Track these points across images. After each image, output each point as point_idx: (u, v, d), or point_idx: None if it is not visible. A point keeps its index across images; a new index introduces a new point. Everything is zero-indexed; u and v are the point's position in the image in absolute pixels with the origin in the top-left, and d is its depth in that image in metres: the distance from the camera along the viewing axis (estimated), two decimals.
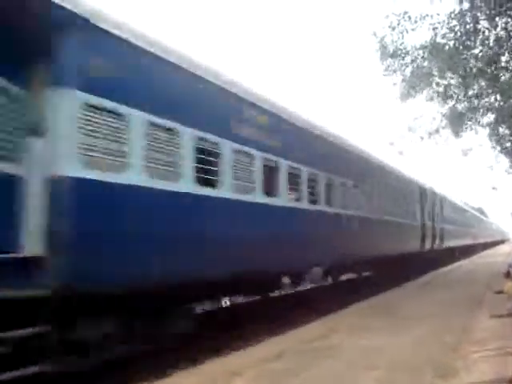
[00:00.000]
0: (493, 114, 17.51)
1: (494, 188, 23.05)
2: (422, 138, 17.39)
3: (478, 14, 13.56)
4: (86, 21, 6.37)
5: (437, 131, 17.27)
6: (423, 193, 24.92)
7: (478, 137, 19.01)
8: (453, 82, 16.02)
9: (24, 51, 5.97)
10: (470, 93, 16.12)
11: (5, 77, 6.07)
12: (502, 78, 15.18)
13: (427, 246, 24.65)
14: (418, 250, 22.98)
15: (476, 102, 16.62)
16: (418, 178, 24.63)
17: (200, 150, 8.22)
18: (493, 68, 14.65)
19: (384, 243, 17.39)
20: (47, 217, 5.93)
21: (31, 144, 6.20)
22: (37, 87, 6.20)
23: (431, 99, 16.54)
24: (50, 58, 6.01)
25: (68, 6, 6.19)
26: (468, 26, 13.92)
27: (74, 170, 6.00)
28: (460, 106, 16.81)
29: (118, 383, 7.19)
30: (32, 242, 5.96)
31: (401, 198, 20.42)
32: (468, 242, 43.59)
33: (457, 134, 17.69)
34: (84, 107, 6.19)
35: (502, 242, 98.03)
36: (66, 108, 6.06)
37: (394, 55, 15.00)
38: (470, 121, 17.35)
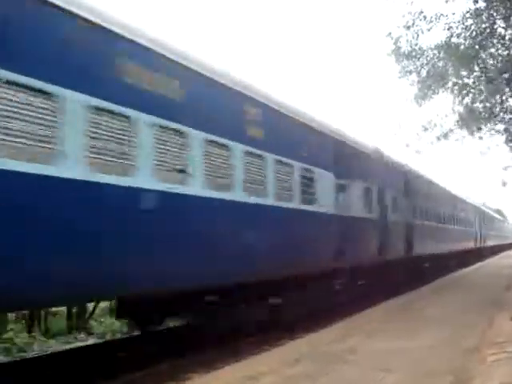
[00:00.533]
0: (507, 114, 17.33)
1: (504, 184, 22.68)
2: (438, 138, 17.25)
3: (494, 14, 13.45)
4: None
5: (451, 131, 17.13)
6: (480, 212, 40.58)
7: (495, 137, 18.61)
8: (468, 81, 15.89)
9: None
10: (486, 92, 15.97)
11: None
12: None
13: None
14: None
15: (493, 101, 16.46)
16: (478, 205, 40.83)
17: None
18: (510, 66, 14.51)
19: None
20: None
21: None
22: None
23: (446, 98, 16.44)
24: None
25: None
26: (484, 26, 13.81)
27: None
28: (476, 106, 16.66)
29: None
30: None
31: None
32: (495, 243, 52.87)
33: (472, 133, 17.54)
34: None
35: None
36: None
37: (409, 56, 14.92)
38: (486, 120, 17.18)
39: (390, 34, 14.93)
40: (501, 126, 17.91)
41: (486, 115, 16.68)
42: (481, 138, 17.89)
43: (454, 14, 14.41)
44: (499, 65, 14.78)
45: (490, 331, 9.48)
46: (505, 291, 16.07)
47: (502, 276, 22.38)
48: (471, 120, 16.61)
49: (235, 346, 9.54)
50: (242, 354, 8.81)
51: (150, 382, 7.52)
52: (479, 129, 17.40)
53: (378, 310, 13.09)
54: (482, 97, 16.12)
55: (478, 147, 19.32)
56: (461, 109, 16.77)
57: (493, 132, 18.00)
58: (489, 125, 17.40)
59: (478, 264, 34.96)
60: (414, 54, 14.94)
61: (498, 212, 75.88)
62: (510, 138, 18.55)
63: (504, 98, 16.23)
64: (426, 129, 17.17)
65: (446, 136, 17.18)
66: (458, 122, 16.95)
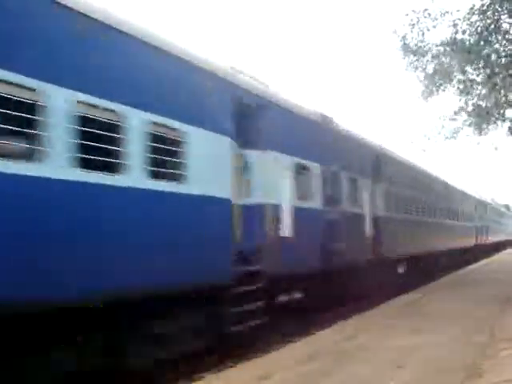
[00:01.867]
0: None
1: None
2: (446, 138, 17.24)
3: (499, 9, 13.45)
4: None
5: (461, 129, 17.12)
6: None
7: (504, 134, 18.48)
8: (474, 77, 15.88)
9: None
10: (492, 88, 15.95)
11: None
12: None
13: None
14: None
15: (498, 97, 16.43)
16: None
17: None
18: None
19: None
20: None
21: None
22: None
23: (453, 95, 16.43)
24: None
25: None
26: (489, 21, 13.80)
27: None
28: (482, 103, 16.64)
29: None
30: None
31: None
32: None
33: (480, 131, 17.50)
34: None
35: None
36: None
37: (415, 52, 14.93)
38: (493, 116, 17.13)
39: (396, 31, 14.96)
40: (507, 124, 17.87)
41: (493, 112, 16.65)
42: (485, 133, 17.79)
43: (458, 10, 14.42)
44: (503, 60, 14.77)
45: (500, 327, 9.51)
46: None
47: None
48: (479, 118, 16.58)
49: (245, 344, 9.59)
50: (253, 353, 8.86)
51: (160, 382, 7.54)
52: (486, 128, 17.35)
53: (385, 307, 13.10)
54: (487, 93, 16.12)
55: (486, 144, 19.09)
56: (468, 106, 16.76)
57: (500, 129, 17.94)
58: (497, 123, 17.34)
59: (483, 262, 32.43)
60: (420, 51, 14.95)
61: (506, 207, 75.69)
62: None
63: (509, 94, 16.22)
64: (438, 131, 17.13)
65: (454, 136, 17.15)
66: (465, 121, 16.92)
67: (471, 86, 15.89)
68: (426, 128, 17.72)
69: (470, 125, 17.04)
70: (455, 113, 17.07)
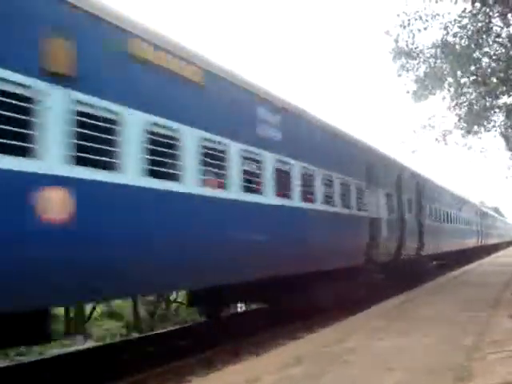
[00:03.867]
0: (503, 113, 17.35)
1: (507, 177, 22.68)
2: (437, 140, 17.19)
3: (491, 13, 13.50)
4: None
5: (450, 132, 17.11)
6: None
7: (494, 137, 18.55)
8: (464, 80, 15.91)
9: None
10: (482, 92, 15.98)
11: None
12: None
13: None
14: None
15: (489, 101, 16.48)
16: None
17: None
18: (504, 66, 14.54)
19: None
20: None
21: None
22: None
23: (443, 98, 16.43)
24: None
25: None
26: (480, 24, 13.85)
27: None
28: (472, 106, 16.67)
29: None
30: None
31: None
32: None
33: (469, 133, 17.51)
34: None
35: None
36: None
37: (407, 55, 14.97)
38: (484, 120, 17.18)
39: (388, 32, 14.99)
40: (494, 131, 17.95)
41: (483, 115, 16.70)
42: (480, 137, 17.88)
43: (449, 13, 14.48)
44: (493, 64, 14.83)
45: (488, 329, 9.50)
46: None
47: None
48: (469, 121, 16.61)
49: (234, 346, 9.55)
50: (242, 355, 8.82)
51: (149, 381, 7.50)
52: (476, 132, 17.38)
53: (376, 309, 13.08)
54: (477, 97, 16.17)
55: (476, 147, 19.14)
56: (458, 109, 16.78)
57: (490, 133, 18.02)
58: (486, 125, 17.39)
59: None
60: (411, 53, 14.98)
61: (496, 210, 76.05)
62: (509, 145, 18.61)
63: (498, 98, 16.29)
64: (424, 126, 17.02)
65: (444, 138, 17.11)
66: (455, 123, 16.92)
67: (461, 89, 15.92)
68: (416, 126, 17.64)
69: (458, 128, 17.06)
70: (443, 117, 17.09)
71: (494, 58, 15.00)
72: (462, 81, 15.78)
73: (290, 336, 10.17)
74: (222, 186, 8.76)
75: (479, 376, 6.35)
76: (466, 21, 14.04)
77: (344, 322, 11.36)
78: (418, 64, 15.26)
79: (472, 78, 15.44)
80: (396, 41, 14.84)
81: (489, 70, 14.75)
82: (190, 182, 7.79)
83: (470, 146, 18.08)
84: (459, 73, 15.26)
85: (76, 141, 5.98)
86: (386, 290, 15.74)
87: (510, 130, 18.77)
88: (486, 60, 15.23)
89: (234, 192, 8.97)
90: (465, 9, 14.03)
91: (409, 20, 14.45)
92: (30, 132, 5.57)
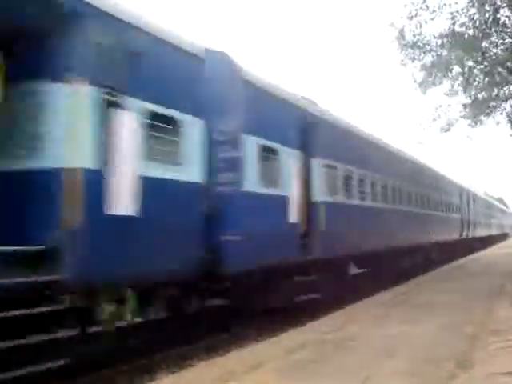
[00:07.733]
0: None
1: None
2: (442, 130, 17.18)
3: (498, 2, 13.41)
4: None
5: (456, 121, 17.07)
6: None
7: (500, 128, 18.57)
8: (472, 69, 15.83)
9: None
10: (490, 81, 15.90)
11: None
12: None
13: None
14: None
15: (496, 90, 16.40)
16: None
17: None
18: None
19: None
20: None
21: None
22: None
23: (451, 87, 16.37)
24: None
25: None
26: (487, 15, 13.76)
27: None
28: (480, 95, 16.60)
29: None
30: None
31: None
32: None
33: (475, 123, 17.47)
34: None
35: None
36: None
37: (414, 46, 14.90)
38: (490, 109, 17.11)
39: (393, 24, 14.92)
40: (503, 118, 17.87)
41: (490, 104, 16.63)
42: (480, 124, 17.77)
43: (457, 3, 14.37)
44: (501, 53, 14.74)
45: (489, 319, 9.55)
46: None
47: None
48: (475, 110, 16.54)
49: (235, 333, 9.62)
50: (243, 342, 8.89)
51: (150, 370, 7.54)
52: (481, 121, 17.33)
53: (377, 299, 13.14)
54: (485, 85, 16.07)
55: (481, 137, 18.96)
56: (464, 99, 16.72)
57: (495, 120, 17.95)
58: (493, 115, 17.33)
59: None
60: (418, 43, 14.90)
61: (500, 201, 75.74)
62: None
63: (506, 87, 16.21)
64: (434, 119, 17.02)
65: (449, 129, 17.08)
66: (461, 112, 16.87)
67: (468, 79, 15.85)
68: (421, 118, 17.66)
69: (464, 117, 17.01)
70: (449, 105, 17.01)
71: (501, 47, 14.91)
72: (470, 70, 15.70)
73: (290, 324, 10.18)
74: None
75: (479, 364, 6.40)
76: (473, 10, 13.96)
77: (347, 308, 11.40)
78: (424, 54, 15.19)
79: (479, 68, 15.37)
80: (402, 32, 14.74)
81: (496, 60, 14.66)
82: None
83: (472, 137, 18.07)
84: (468, 62, 15.20)
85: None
86: None
87: None
88: (493, 50, 15.14)
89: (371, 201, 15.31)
90: None
91: (416, 10, 14.36)
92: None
